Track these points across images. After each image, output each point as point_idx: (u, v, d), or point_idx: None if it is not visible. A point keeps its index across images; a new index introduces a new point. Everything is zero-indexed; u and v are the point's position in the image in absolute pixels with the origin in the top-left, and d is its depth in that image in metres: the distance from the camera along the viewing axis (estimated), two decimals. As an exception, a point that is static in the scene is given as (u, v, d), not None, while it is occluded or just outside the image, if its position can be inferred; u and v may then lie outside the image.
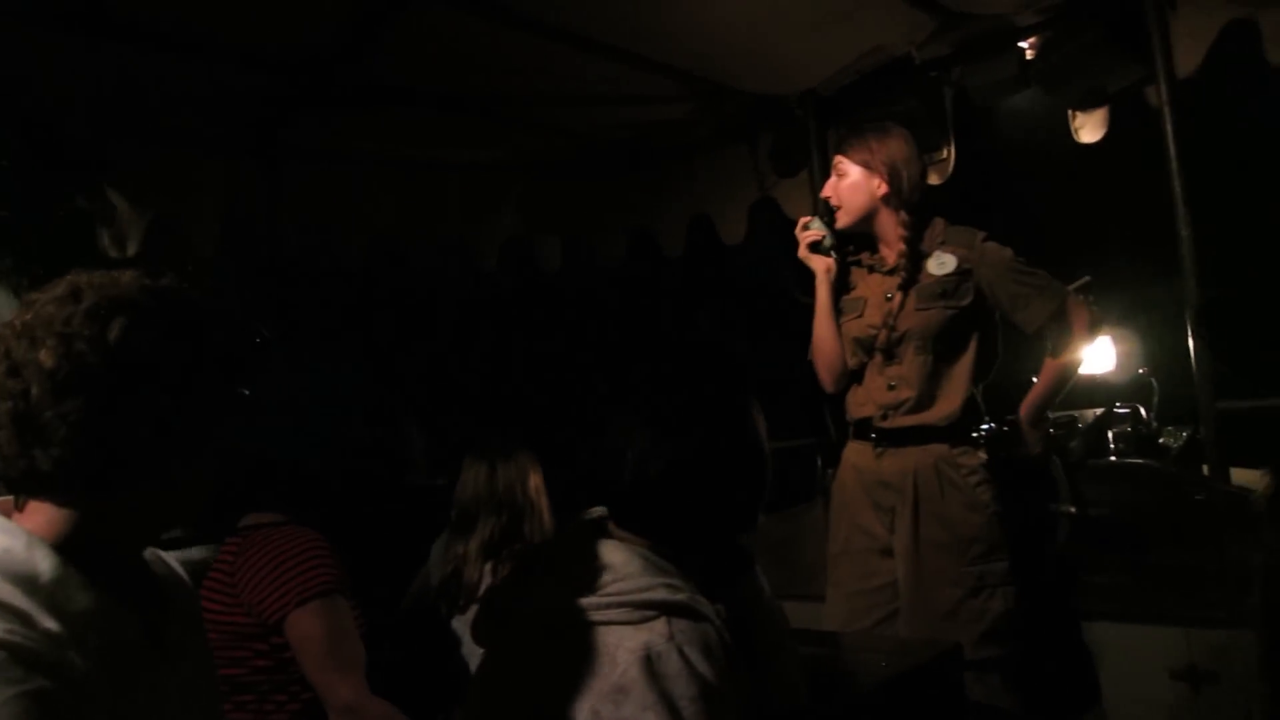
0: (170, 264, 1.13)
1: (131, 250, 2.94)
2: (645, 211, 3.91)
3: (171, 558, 1.20)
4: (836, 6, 2.70)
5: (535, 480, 2.66)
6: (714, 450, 1.32)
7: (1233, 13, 2.52)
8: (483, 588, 2.57)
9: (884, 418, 2.41)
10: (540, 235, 4.06)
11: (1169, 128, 2.57)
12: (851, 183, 2.46)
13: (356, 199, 3.55)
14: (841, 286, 2.55)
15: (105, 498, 0.99)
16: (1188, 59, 2.58)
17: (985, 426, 2.49)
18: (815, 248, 2.52)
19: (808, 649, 1.82)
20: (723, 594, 1.36)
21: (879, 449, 2.41)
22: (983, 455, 2.38)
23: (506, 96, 3.17)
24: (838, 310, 2.53)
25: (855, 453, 2.48)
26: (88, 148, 2.73)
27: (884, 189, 2.44)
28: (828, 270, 2.51)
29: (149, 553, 1.14)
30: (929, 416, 2.37)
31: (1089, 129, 2.92)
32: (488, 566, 2.59)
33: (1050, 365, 2.43)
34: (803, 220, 2.56)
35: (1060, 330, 2.38)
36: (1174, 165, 2.54)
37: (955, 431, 2.37)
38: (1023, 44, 2.88)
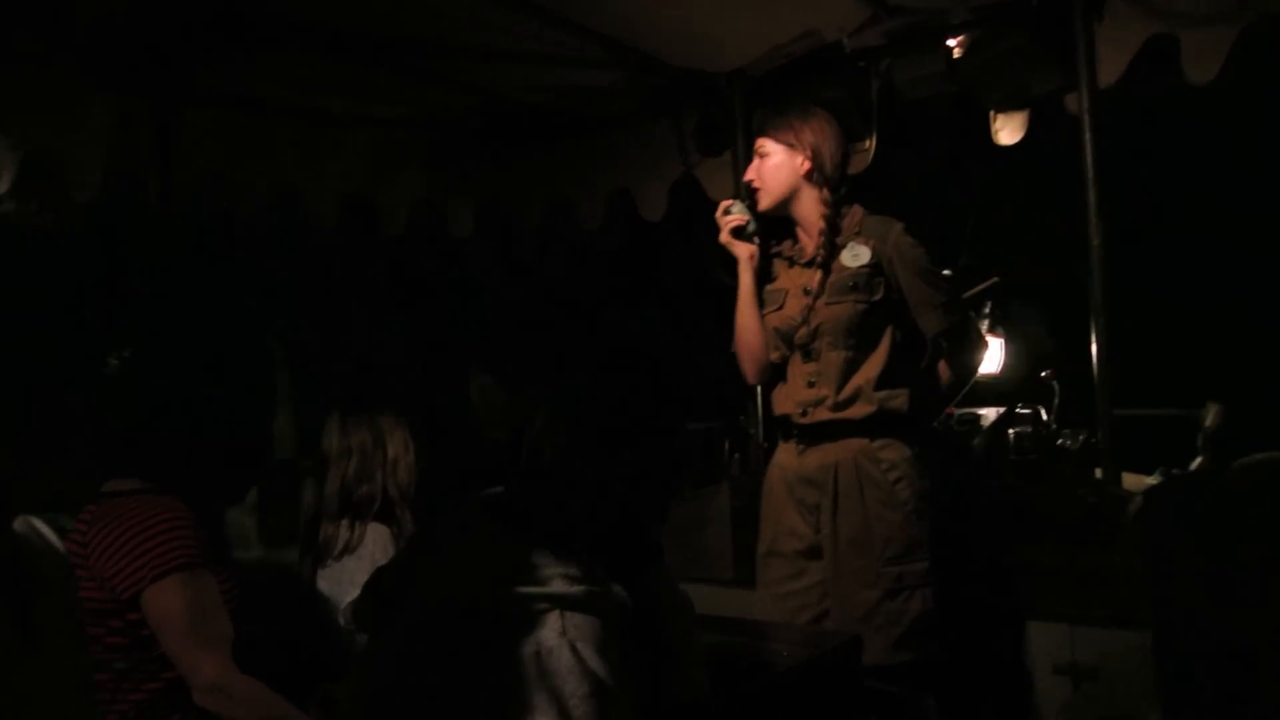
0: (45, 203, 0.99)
1: (3, 187, 2.70)
2: (564, 182, 3.81)
3: (48, 529, 1.06)
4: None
5: (392, 437, 2.65)
6: (615, 436, 1.26)
7: (1156, 28, 2.57)
8: (340, 542, 2.55)
9: (803, 414, 2.38)
10: (452, 201, 3.92)
11: (1087, 136, 2.60)
12: (775, 163, 2.42)
13: (254, 148, 3.35)
14: (764, 275, 2.50)
15: None
16: (1109, 69, 2.63)
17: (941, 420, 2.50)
18: (738, 233, 2.46)
19: (710, 636, 1.78)
20: (629, 586, 1.31)
21: (801, 446, 2.38)
22: (907, 450, 2.34)
23: (422, 47, 3.02)
24: (760, 301, 2.48)
25: (781, 451, 2.46)
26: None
27: (807, 166, 2.40)
28: (751, 257, 2.46)
29: (21, 524, 1.01)
30: (849, 413, 2.34)
31: (1008, 131, 2.97)
32: (344, 521, 2.56)
33: (943, 368, 2.48)
34: (724, 204, 2.49)
35: (949, 347, 2.43)
36: (1089, 173, 2.58)
37: (874, 426, 2.33)
38: (951, 42, 2.90)
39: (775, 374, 2.48)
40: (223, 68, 3.01)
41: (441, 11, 2.72)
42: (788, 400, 2.42)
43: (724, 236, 2.47)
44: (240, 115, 3.29)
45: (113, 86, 2.95)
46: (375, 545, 2.51)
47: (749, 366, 2.49)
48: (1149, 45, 2.58)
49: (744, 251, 2.46)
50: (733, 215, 2.45)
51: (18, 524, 1.00)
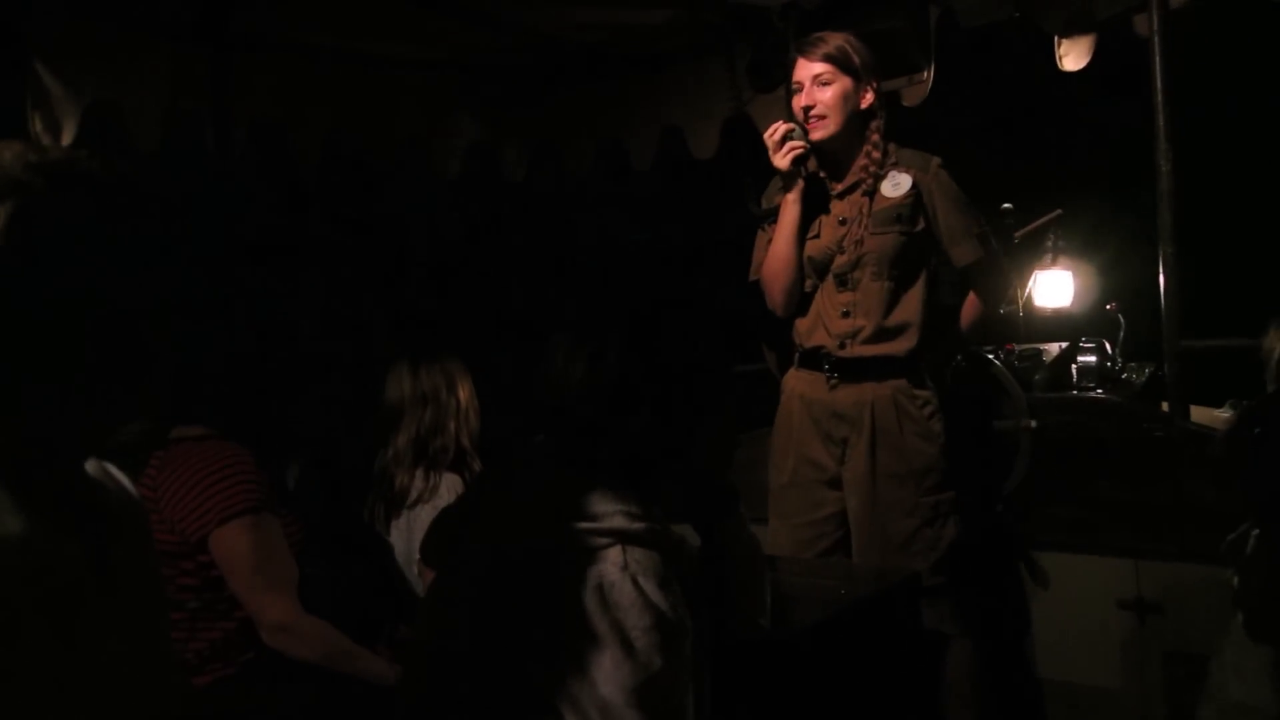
0: (106, 153, 1.00)
1: (66, 138, 2.76)
2: (615, 122, 3.77)
3: (120, 472, 1.09)
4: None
5: (462, 385, 2.63)
6: (667, 377, 1.26)
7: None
8: (414, 493, 2.55)
9: (841, 347, 2.34)
10: (504, 143, 3.90)
11: (1157, 59, 2.50)
12: (841, 93, 2.33)
13: (308, 95, 3.37)
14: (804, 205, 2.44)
15: (26, 405, 0.87)
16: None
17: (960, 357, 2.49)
18: (797, 160, 2.35)
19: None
20: (705, 530, 1.34)
21: (832, 380, 2.35)
22: (932, 384, 2.36)
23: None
24: None
25: (803, 382, 2.41)
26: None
27: (871, 98, 2.35)
28: (802, 187, 2.38)
29: (94, 467, 1.02)
30: (890, 347, 2.32)
31: (1073, 56, 2.86)
32: (418, 471, 2.56)
33: (972, 301, 2.48)
34: (784, 128, 2.34)
35: (982, 278, 2.42)
36: (1159, 98, 2.49)
37: (913, 362, 2.33)
38: (1014, -37, 2.79)
39: (799, 305, 2.43)
40: (277, 16, 3.02)
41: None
42: (819, 331, 2.38)
43: (784, 162, 2.34)
44: (295, 63, 3.31)
45: (171, 36, 2.98)
46: (450, 494, 2.52)
47: (781, 298, 2.40)
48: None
49: (798, 182, 2.37)
50: (795, 141, 2.33)
51: (91, 467, 1.00)
